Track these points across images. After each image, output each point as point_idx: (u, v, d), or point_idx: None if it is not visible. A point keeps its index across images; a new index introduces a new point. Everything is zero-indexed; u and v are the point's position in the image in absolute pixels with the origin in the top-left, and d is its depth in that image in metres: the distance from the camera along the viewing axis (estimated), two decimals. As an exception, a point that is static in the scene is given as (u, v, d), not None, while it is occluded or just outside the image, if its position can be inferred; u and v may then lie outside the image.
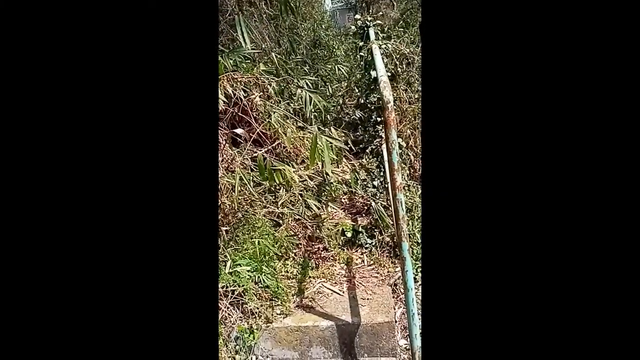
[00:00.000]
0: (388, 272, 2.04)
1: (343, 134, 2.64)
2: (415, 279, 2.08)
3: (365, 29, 2.52)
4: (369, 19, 2.51)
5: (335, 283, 1.99)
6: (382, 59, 2.16)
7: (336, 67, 2.90)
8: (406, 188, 2.57)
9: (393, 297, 1.90)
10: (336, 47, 3.45)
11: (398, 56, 2.27)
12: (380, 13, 2.91)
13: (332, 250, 2.17)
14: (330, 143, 1.78)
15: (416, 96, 2.77)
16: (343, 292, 1.91)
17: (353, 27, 2.57)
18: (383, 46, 2.22)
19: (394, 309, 1.82)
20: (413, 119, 2.80)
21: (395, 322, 1.76)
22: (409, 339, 1.50)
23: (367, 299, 1.85)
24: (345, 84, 3.23)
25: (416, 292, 1.95)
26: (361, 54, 2.33)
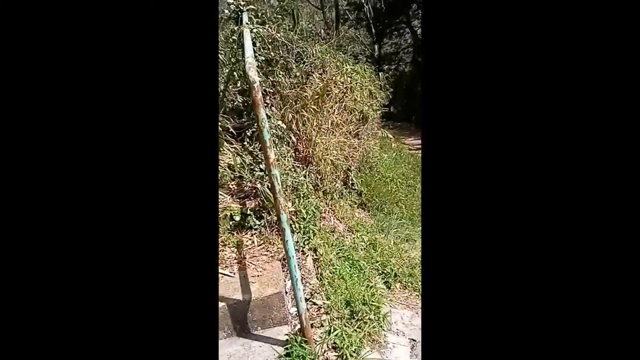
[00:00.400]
0: (277, 248, 2.14)
1: (227, 120, 2.62)
2: (302, 251, 2.22)
3: (240, 13, 2.52)
4: (242, 3, 2.51)
5: (226, 266, 2.01)
6: (255, 43, 2.19)
7: (214, 52, 2.83)
8: (292, 170, 2.70)
9: (283, 270, 2.00)
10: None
11: (272, 41, 2.33)
12: (255, -2, 2.94)
13: (221, 236, 2.17)
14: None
15: (295, 81, 2.89)
16: (234, 274, 1.94)
17: (226, 11, 2.54)
18: (255, 30, 2.26)
19: (284, 281, 1.93)
20: (294, 103, 2.93)
21: (285, 292, 1.87)
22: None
23: (258, 276, 1.92)
24: (227, 70, 3.18)
25: (299, 260, 2.09)
26: (233, 37, 2.33)
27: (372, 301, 1.95)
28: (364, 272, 2.22)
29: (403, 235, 2.98)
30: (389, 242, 2.73)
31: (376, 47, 10.82)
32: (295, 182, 2.58)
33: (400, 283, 2.34)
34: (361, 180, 3.52)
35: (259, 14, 2.68)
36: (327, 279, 2.02)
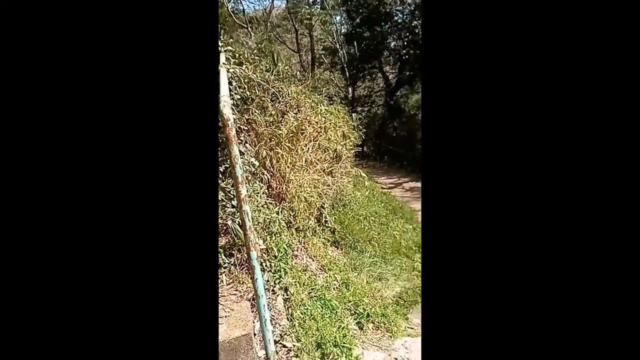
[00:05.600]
0: (247, 287, 2.07)
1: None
2: (273, 290, 2.16)
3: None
4: (220, 44, 2.59)
5: (192, 307, 1.91)
6: (231, 82, 2.25)
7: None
8: (265, 206, 2.68)
9: (252, 311, 1.93)
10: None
11: (248, 81, 2.39)
12: (232, 39, 3.04)
13: (188, 274, 2.09)
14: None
15: (270, 120, 2.95)
16: (200, 315, 1.85)
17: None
18: (232, 70, 2.32)
19: (253, 322, 1.85)
20: (269, 140, 2.97)
21: (254, 334, 1.79)
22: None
23: (225, 316, 1.83)
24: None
25: (269, 300, 2.02)
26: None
27: (344, 343, 1.89)
28: (336, 312, 2.17)
29: (376, 274, 2.97)
30: (362, 281, 2.70)
31: (350, 89, 11.29)
32: (268, 219, 2.56)
33: (372, 324, 2.30)
34: (334, 218, 3.53)
35: (236, 55, 2.77)
36: (297, 319, 1.96)
